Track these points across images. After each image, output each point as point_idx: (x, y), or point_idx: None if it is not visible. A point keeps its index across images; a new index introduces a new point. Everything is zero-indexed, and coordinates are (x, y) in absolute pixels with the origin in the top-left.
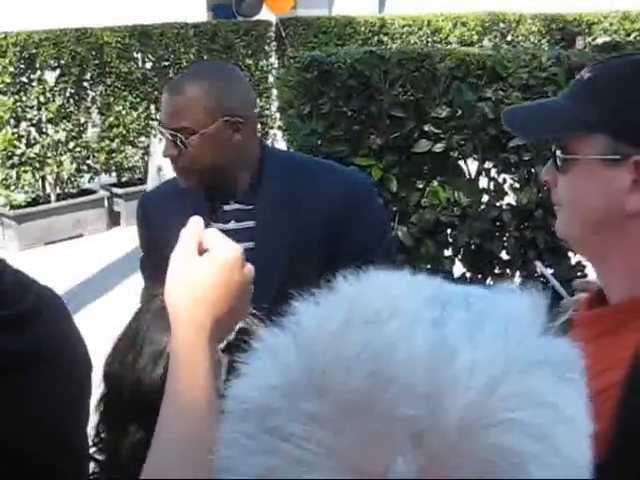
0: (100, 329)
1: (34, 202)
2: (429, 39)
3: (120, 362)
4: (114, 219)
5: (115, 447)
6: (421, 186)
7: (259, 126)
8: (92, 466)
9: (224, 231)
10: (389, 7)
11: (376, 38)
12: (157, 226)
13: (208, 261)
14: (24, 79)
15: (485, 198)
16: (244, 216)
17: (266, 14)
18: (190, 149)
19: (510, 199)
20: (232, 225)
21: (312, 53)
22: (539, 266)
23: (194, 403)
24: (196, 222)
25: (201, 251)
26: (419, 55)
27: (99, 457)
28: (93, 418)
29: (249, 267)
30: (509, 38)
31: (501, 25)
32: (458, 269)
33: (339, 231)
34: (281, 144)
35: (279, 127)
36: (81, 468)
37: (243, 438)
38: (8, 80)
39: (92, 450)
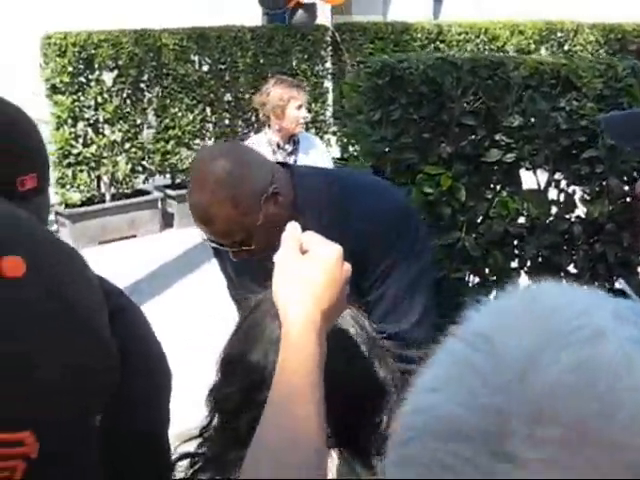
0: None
1: (89, 201)
2: (486, 47)
3: (246, 353)
4: (167, 220)
5: (246, 429)
6: (490, 196)
7: (314, 131)
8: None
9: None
10: (444, 14)
11: (433, 45)
12: (225, 257)
13: (312, 260)
14: (82, 79)
15: (554, 210)
16: None
17: (322, 19)
18: (254, 245)
19: (580, 212)
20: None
21: (383, 58)
22: (622, 284)
23: (305, 392)
24: (294, 226)
25: (302, 252)
26: (492, 63)
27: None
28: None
29: (347, 265)
30: (566, 47)
31: (558, 34)
32: (524, 281)
33: (369, 256)
34: (335, 149)
35: (333, 132)
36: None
37: (451, 458)
38: (67, 80)
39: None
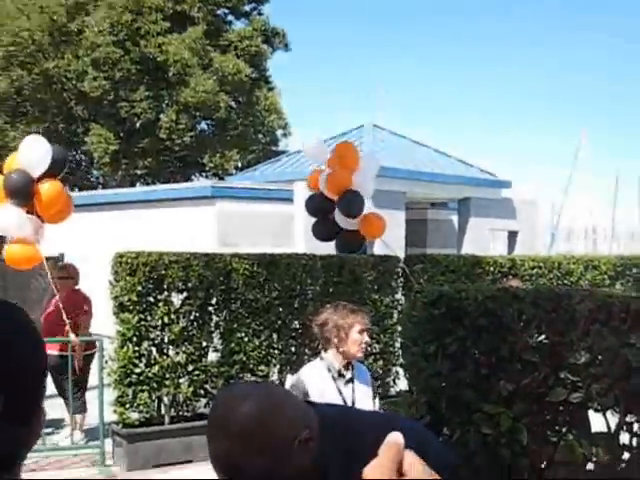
0: None
1: (147, 422)
2: (559, 281)
3: None
4: None
5: None
6: (554, 439)
7: (381, 362)
8: None
9: None
10: (518, 249)
11: (505, 279)
12: None
13: None
14: (150, 299)
15: (626, 456)
16: None
17: (396, 250)
18: None
19: None
20: None
21: (440, 288)
22: None
23: None
24: (398, 436)
25: (399, 472)
26: (556, 295)
27: None
28: None
29: None
30: None
31: (634, 270)
32: None
33: None
34: (402, 383)
35: (401, 365)
36: None
37: None
38: (135, 299)
39: None
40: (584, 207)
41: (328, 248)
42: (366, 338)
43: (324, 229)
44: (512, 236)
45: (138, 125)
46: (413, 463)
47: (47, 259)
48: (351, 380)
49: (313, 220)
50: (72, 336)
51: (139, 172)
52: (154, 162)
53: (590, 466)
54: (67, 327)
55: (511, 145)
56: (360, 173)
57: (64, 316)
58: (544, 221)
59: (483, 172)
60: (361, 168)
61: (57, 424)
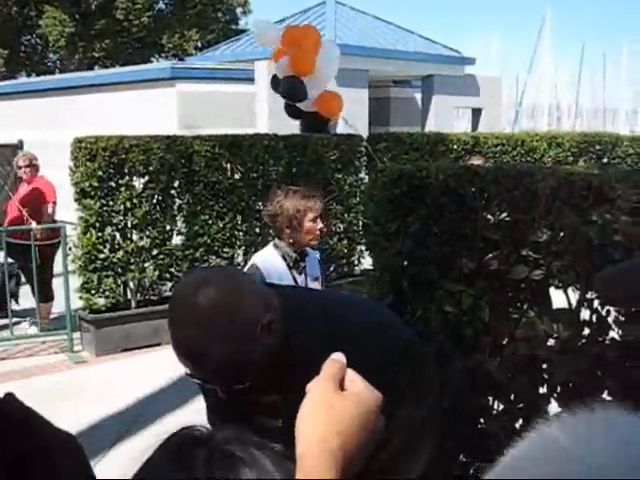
0: None
1: (114, 307)
2: (523, 159)
3: None
4: None
5: None
6: (516, 316)
7: (346, 241)
8: None
9: None
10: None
11: (469, 156)
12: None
13: (351, 399)
14: (112, 184)
15: (586, 332)
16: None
17: (360, 128)
18: (249, 382)
19: (615, 334)
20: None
21: (401, 166)
22: None
23: None
24: (339, 356)
25: (341, 387)
26: (518, 172)
27: None
28: None
29: (382, 417)
30: (605, 160)
31: (597, 147)
32: (553, 409)
33: None
34: (367, 262)
35: (365, 244)
36: None
37: None
38: (96, 184)
39: None
40: (548, 83)
41: (291, 128)
42: (320, 225)
43: (292, 109)
44: (476, 113)
45: (94, 6)
46: (354, 380)
47: (6, 146)
48: (304, 269)
49: (275, 100)
50: (33, 224)
51: (97, 55)
52: (112, 44)
53: (551, 342)
54: (25, 216)
55: (476, 23)
56: (320, 58)
57: (18, 206)
58: (508, 98)
59: (447, 49)
60: (321, 53)
61: (25, 313)
